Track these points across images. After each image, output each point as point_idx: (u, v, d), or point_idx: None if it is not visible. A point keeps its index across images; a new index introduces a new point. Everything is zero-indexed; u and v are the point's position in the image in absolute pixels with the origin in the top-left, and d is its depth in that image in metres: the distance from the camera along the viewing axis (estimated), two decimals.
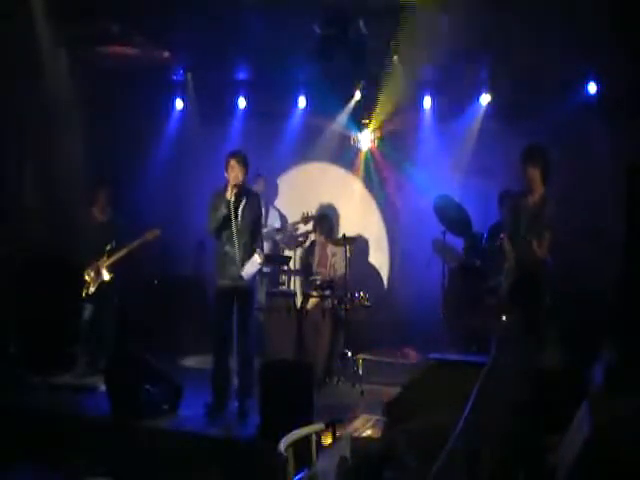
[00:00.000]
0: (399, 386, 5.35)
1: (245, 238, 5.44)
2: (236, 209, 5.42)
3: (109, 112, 7.43)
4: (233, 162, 5.42)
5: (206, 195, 5.66)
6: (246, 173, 5.46)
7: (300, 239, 7.80)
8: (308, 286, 6.98)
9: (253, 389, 5.33)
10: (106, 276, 6.52)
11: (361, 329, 6.80)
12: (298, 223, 7.79)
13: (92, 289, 6.49)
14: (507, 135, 7.06)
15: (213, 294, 5.64)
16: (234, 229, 5.40)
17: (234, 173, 5.40)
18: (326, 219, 7.32)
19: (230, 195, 5.36)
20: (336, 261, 6.98)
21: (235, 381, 5.54)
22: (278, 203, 8.20)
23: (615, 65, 6.58)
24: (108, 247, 6.53)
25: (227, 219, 5.41)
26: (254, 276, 5.57)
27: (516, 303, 5.28)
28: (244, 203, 5.46)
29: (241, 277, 5.41)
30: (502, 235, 5.85)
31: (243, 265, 5.41)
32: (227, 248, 5.45)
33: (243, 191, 5.47)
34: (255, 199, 5.56)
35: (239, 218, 5.43)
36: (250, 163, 5.52)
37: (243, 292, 5.47)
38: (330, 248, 7.07)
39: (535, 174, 5.44)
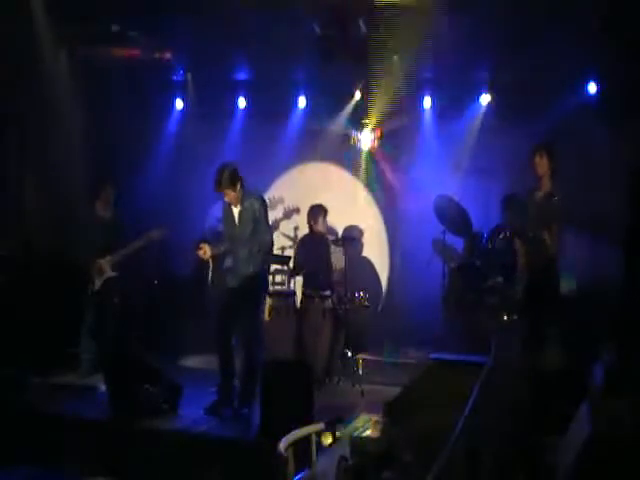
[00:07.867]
0: (399, 386, 5.35)
1: (243, 243, 5.45)
2: (234, 216, 5.49)
3: (109, 112, 7.42)
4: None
5: (206, 195, 5.66)
6: (233, 185, 5.36)
7: None
8: (308, 286, 6.95)
9: (255, 392, 5.31)
10: (110, 274, 6.49)
11: (361, 329, 6.80)
12: None
13: (97, 287, 6.47)
14: (507, 135, 7.06)
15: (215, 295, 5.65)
16: (233, 236, 5.46)
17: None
18: (319, 207, 7.05)
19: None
20: (336, 258, 6.94)
21: (237, 382, 5.54)
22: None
23: (615, 65, 6.58)
24: (111, 244, 6.51)
25: (228, 227, 5.46)
26: (260, 281, 5.56)
27: (531, 305, 5.29)
28: (239, 210, 5.48)
29: (238, 281, 5.42)
30: (505, 232, 5.84)
31: (243, 269, 5.42)
32: (230, 253, 5.49)
33: (242, 198, 5.47)
34: (253, 203, 5.47)
35: (237, 224, 5.46)
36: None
37: (242, 295, 5.46)
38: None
39: (544, 171, 5.47)
